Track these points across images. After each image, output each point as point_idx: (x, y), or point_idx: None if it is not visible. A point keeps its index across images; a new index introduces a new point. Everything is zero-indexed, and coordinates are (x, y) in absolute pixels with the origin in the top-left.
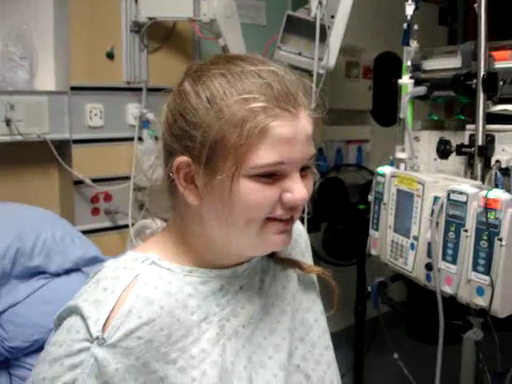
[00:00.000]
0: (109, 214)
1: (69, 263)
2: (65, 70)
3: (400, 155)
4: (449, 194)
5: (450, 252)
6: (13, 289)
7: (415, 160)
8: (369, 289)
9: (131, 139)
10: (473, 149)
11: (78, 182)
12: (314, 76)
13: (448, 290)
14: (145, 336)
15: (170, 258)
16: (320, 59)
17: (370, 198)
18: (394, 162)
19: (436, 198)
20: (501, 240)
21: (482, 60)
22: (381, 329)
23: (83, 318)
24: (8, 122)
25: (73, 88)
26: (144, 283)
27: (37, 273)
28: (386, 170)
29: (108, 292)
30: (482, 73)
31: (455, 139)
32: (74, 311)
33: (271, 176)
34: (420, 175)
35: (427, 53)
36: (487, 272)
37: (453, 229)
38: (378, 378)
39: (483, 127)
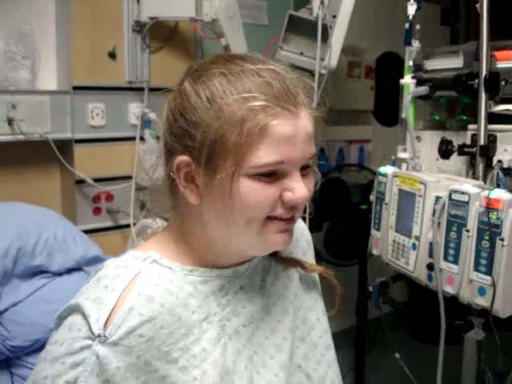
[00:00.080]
0: (110, 213)
1: (70, 262)
2: (67, 69)
3: (402, 155)
4: (450, 194)
5: (451, 252)
6: (14, 288)
7: (417, 160)
8: (370, 289)
9: (133, 139)
10: (475, 149)
11: (80, 182)
12: (316, 76)
13: (449, 290)
14: (146, 334)
15: (171, 257)
16: (322, 59)
17: (372, 197)
18: (396, 162)
19: (438, 198)
20: (502, 240)
21: (483, 60)
22: (382, 329)
23: (84, 316)
24: (10, 122)
25: (75, 87)
26: (145, 281)
27: (38, 272)
28: (387, 169)
29: (109, 290)
30: (483, 73)
31: (457, 139)
32: (76, 309)
33: (271, 175)
34: (422, 175)
35: (429, 53)
36: (489, 272)
37: (454, 229)
38: (379, 378)
39: (485, 127)
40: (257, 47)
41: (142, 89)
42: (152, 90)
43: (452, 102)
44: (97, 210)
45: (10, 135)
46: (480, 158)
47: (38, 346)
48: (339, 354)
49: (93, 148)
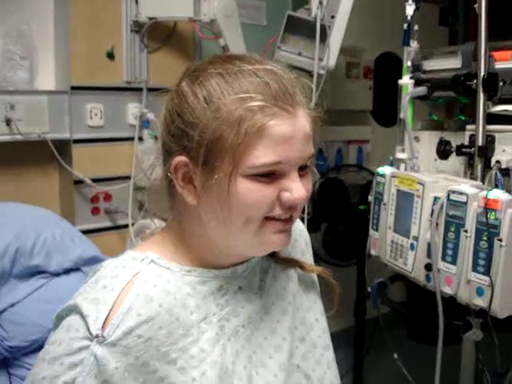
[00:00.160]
0: (109, 213)
1: (68, 263)
2: (65, 69)
3: (400, 155)
4: (449, 195)
5: (449, 252)
6: (12, 288)
7: (415, 160)
8: (368, 289)
9: (131, 139)
10: (473, 149)
11: (78, 182)
12: (315, 76)
13: (448, 290)
14: (144, 335)
15: (169, 257)
16: (320, 59)
17: (370, 198)
18: (394, 163)
19: (436, 199)
20: (501, 240)
21: (482, 60)
22: (380, 329)
23: (82, 317)
24: (8, 122)
25: (73, 88)
26: (143, 281)
27: (36, 272)
28: (386, 170)
29: (107, 290)
30: (482, 73)
31: (455, 140)
32: (74, 310)
33: (269, 175)
34: (420, 175)
35: (427, 53)
36: (487, 272)
37: (453, 229)
38: (377, 378)
39: (483, 128)
40: (255, 47)
41: (140, 89)
42: (150, 90)
43: (450, 103)
44: (95, 210)
45: (8, 135)
46: (478, 159)
47: (36, 347)
48: (338, 354)
49: (91, 148)
